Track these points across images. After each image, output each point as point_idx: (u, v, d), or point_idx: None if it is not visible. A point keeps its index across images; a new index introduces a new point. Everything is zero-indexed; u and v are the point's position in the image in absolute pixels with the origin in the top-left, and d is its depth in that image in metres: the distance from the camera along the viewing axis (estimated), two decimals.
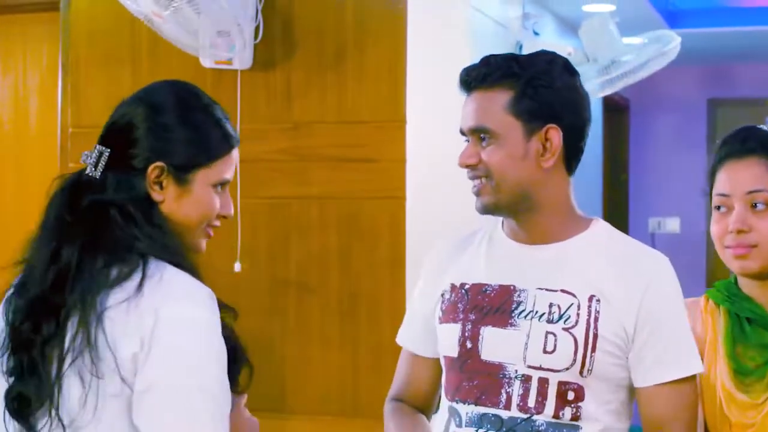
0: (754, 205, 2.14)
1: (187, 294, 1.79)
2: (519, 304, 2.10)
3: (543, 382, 2.06)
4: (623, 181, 8.24)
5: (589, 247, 2.14)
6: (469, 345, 2.12)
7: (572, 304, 2.08)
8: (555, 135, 2.10)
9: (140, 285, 1.76)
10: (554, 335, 2.06)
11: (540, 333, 2.07)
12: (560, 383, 2.06)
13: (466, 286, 2.18)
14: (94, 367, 1.73)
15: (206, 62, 3.66)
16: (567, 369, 2.05)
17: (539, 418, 2.05)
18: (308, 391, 3.71)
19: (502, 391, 2.08)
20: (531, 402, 2.06)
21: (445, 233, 2.48)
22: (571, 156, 2.15)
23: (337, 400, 3.67)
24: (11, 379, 1.80)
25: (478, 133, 2.12)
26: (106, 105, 2.05)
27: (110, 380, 1.74)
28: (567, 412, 2.05)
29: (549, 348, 2.06)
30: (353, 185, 3.66)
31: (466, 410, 2.11)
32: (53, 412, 1.75)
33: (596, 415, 2.07)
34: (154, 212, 1.87)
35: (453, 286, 2.20)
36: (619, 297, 2.07)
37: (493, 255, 2.20)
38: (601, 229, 2.19)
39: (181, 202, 1.89)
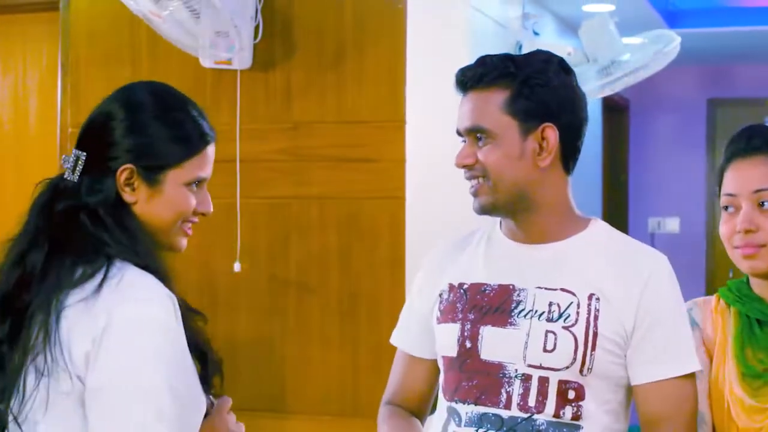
0: (761, 204, 2.12)
1: (143, 295, 1.81)
2: (518, 303, 2.10)
3: (543, 381, 2.06)
4: (623, 180, 8.25)
5: (588, 246, 2.14)
6: (468, 344, 2.12)
7: (572, 302, 2.08)
8: (551, 134, 2.10)
9: (99, 286, 1.79)
10: (554, 334, 2.06)
11: (540, 332, 2.07)
12: (560, 382, 2.06)
13: (465, 286, 2.18)
14: (48, 365, 1.76)
15: (206, 62, 3.66)
16: (567, 368, 2.05)
17: (540, 418, 2.05)
18: (308, 391, 3.71)
19: (502, 390, 2.08)
20: (531, 401, 2.06)
21: (445, 233, 2.48)
22: (569, 155, 2.15)
23: (336, 400, 3.67)
24: None
25: (474, 133, 2.12)
26: None
27: (63, 378, 1.76)
28: (568, 412, 2.05)
29: (549, 347, 2.06)
30: (353, 185, 3.65)
31: (466, 410, 2.10)
32: (8, 409, 1.79)
33: (596, 414, 2.07)
34: (126, 214, 1.89)
35: (451, 286, 2.20)
36: (618, 295, 2.08)
37: (492, 255, 2.20)
38: (599, 228, 2.19)
39: (153, 202, 1.91)
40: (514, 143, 2.10)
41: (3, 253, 1.90)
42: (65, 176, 1.91)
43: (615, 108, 7.79)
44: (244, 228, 3.72)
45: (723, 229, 2.18)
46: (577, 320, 2.06)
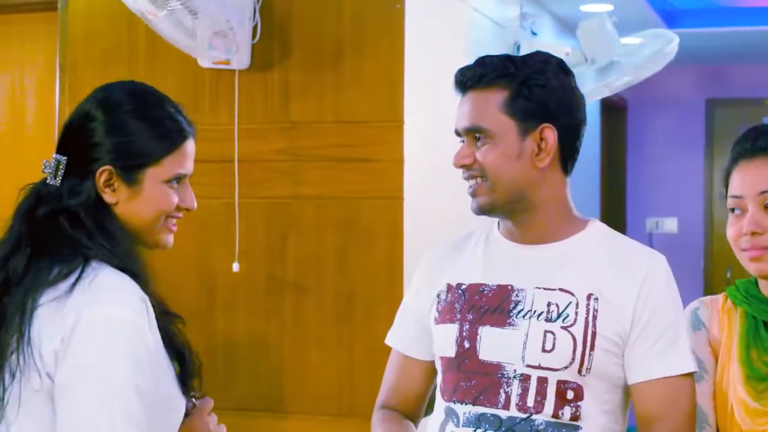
0: (767, 206, 2.10)
1: (113, 296, 1.82)
2: (517, 303, 2.10)
3: (542, 382, 2.06)
4: (621, 181, 8.25)
5: (586, 246, 2.15)
6: (466, 345, 2.12)
7: (570, 302, 2.08)
8: (550, 135, 2.10)
9: (73, 285, 1.81)
10: (553, 334, 2.06)
11: (539, 332, 2.07)
12: (559, 382, 2.06)
13: (463, 287, 2.17)
14: (21, 364, 1.78)
15: (204, 62, 3.66)
16: (566, 368, 2.05)
17: (538, 418, 2.05)
18: (305, 390, 3.71)
19: (501, 390, 2.07)
20: (530, 401, 2.06)
21: (443, 234, 2.48)
22: (567, 156, 2.15)
23: (333, 400, 3.67)
24: None
25: (473, 133, 2.12)
26: None
27: (34, 376, 1.78)
28: (566, 412, 2.05)
29: (548, 347, 2.06)
30: (351, 185, 3.65)
31: (464, 410, 2.10)
32: None
33: (595, 414, 2.07)
34: (106, 216, 1.91)
35: (449, 287, 2.20)
36: (616, 295, 2.08)
37: (490, 255, 2.20)
38: (598, 229, 2.19)
39: (134, 202, 1.92)
40: (513, 143, 2.10)
41: None
42: (48, 181, 1.93)
43: (613, 108, 7.79)
44: (242, 228, 3.72)
45: (730, 232, 2.15)
46: (575, 320, 2.06)
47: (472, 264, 2.20)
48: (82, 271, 1.82)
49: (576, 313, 2.07)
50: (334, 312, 3.68)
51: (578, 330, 2.06)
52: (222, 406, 3.72)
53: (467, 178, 2.14)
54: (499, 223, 2.22)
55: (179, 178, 1.96)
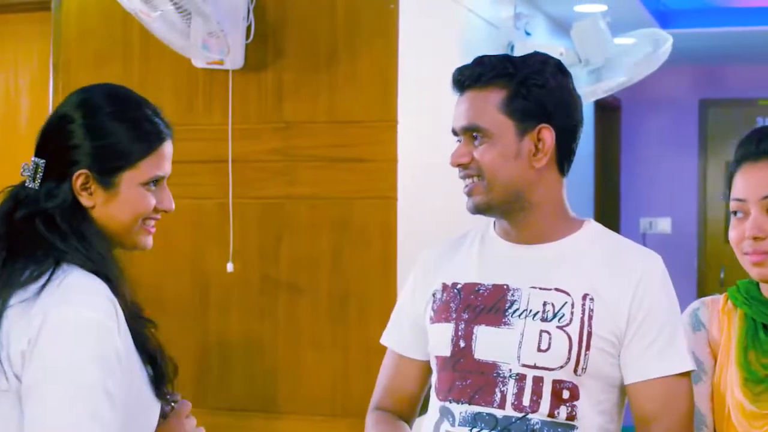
0: None
1: (81, 298, 1.81)
2: (513, 303, 2.10)
3: (537, 381, 2.06)
4: (614, 181, 8.25)
5: (582, 246, 2.15)
6: (462, 344, 2.12)
7: (566, 302, 2.08)
8: (548, 135, 2.11)
9: (42, 287, 1.81)
10: (548, 333, 2.06)
11: (534, 331, 2.07)
12: (555, 382, 2.06)
13: (459, 286, 2.18)
14: None
15: (198, 62, 3.66)
16: (561, 367, 2.05)
17: (534, 417, 2.05)
18: (299, 391, 3.71)
19: (496, 390, 2.08)
20: (526, 401, 2.06)
21: (437, 234, 2.48)
22: (564, 157, 2.16)
23: (328, 400, 3.67)
24: None
25: (470, 132, 2.12)
26: None
27: (1, 376, 1.78)
28: (562, 411, 2.05)
29: (543, 346, 2.06)
30: (345, 185, 3.65)
31: (460, 410, 2.10)
32: None
33: (591, 414, 2.07)
34: (82, 219, 1.91)
35: (445, 286, 2.20)
36: (612, 295, 2.08)
37: (486, 255, 2.20)
38: (593, 229, 2.19)
39: (110, 205, 1.92)
40: (510, 143, 2.10)
41: None
42: (26, 184, 1.93)
43: (607, 108, 7.80)
44: (236, 228, 3.72)
45: (732, 235, 2.13)
46: (571, 320, 2.07)
47: (467, 263, 2.20)
48: (52, 274, 1.82)
49: (572, 313, 2.07)
50: (328, 312, 3.68)
51: (574, 330, 2.06)
52: (216, 406, 3.75)
53: (463, 177, 2.14)
54: (494, 222, 2.22)
55: (156, 180, 1.96)
